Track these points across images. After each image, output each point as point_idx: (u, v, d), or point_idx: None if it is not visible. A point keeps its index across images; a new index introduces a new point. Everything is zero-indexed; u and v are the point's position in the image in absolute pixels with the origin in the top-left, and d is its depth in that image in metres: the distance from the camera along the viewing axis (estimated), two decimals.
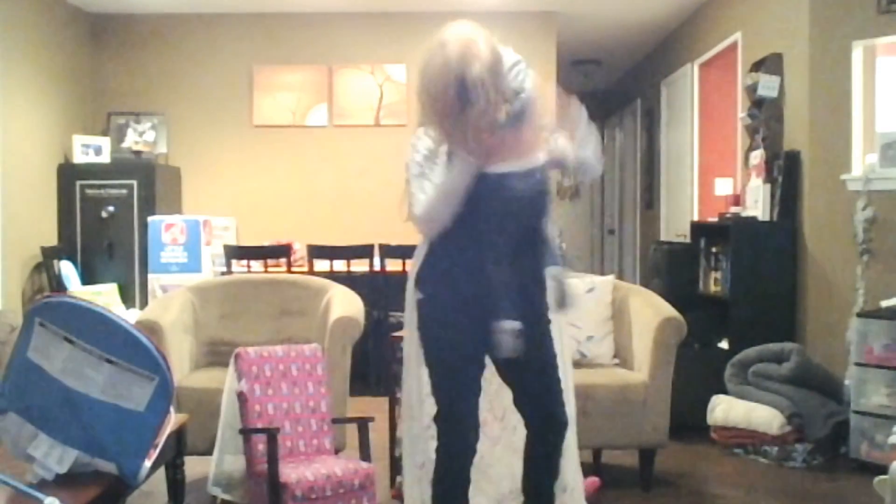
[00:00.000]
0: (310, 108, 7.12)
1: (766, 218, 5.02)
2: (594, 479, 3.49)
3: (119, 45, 7.11)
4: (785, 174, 4.94)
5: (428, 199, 2.52)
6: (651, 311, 3.87)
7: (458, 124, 2.42)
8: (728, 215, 5.32)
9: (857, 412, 4.13)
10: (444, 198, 2.51)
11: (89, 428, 2.21)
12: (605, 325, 4.05)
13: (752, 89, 5.26)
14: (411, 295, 2.71)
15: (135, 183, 6.49)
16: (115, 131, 7.01)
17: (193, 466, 3.37)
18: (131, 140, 6.91)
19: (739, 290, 4.85)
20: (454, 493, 2.61)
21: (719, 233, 5.18)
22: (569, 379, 2.81)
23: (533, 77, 2.54)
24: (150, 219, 6.31)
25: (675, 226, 7.46)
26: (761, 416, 4.29)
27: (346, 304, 3.93)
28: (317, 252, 5.73)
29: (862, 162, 4.69)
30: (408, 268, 5.79)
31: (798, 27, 4.96)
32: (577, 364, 3.56)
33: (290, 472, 2.95)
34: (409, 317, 2.73)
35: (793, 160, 4.95)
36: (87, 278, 6.37)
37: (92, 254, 6.48)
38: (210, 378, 3.74)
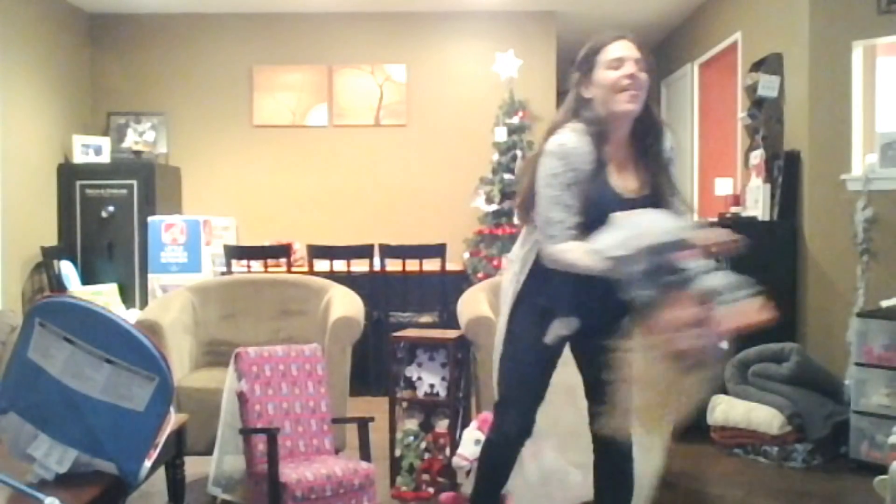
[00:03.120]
0: (310, 108, 7.12)
1: (766, 218, 5.02)
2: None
3: (119, 45, 7.12)
4: (785, 174, 4.94)
5: (566, 253, 2.32)
6: None
7: None
8: (728, 215, 5.31)
9: (857, 412, 4.13)
10: (580, 268, 2.31)
11: (89, 428, 2.20)
12: None
13: (752, 89, 5.26)
14: None
15: (135, 183, 6.49)
16: (115, 131, 7.02)
17: (193, 466, 3.37)
18: (131, 140, 6.92)
19: None
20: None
21: None
22: None
23: None
24: (150, 219, 6.31)
25: None
26: (761, 416, 4.29)
27: (346, 304, 3.93)
28: (317, 252, 5.72)
29: (862, 162, 4.69)
30: (408, 267, 5.83)
31: (798, 27, 4.96)
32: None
33: (290, 472, 2.95)
34: None
35: (793, 160, 4.94)
36: (87, 278, 6.37)
37: (92, 254, 6.48)
38: (210, 378, 3.74)
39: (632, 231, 2.19)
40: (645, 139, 2.43)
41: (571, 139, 2.33)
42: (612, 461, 2.60)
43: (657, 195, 2.41)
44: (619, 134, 2.40)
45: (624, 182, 2.39)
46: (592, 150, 2.33)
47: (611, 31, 2.45)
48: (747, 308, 2.07)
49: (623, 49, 2.38)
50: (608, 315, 2.45)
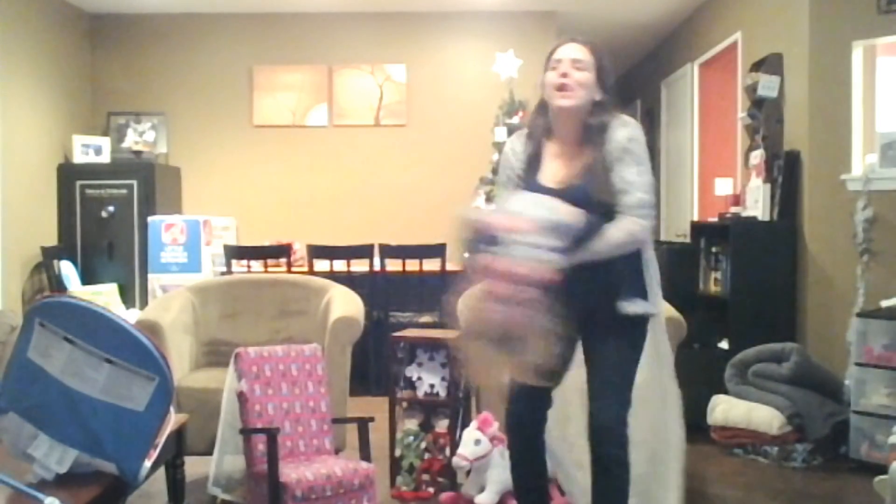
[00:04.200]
0: (310, 108, 7.12)
1: (766, 218, 5.02)
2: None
3: (119, 45, 7.12)
4: (785, 174, 4.94)
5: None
6: None
7: None
8: (728, 215, 5.31)
9: (857, 412, 4.13)
10: None
11: (89, 428, 2.20)
12: None
13: (752, 89, 5.26)
14: None
15: (135, 183, 6.50)
16: (115, 131, 7.02)
17: (193, 466, 3.37)
18: (131, 140, 6.92)
19: (739, 290, 4.85)
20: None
21: (719, 233, 5.18)
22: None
23: None
24: (150, 219, 6.31)
25: (675, 226, 7.46)
26: (761, 416, 4.29)
27: (346, 304, 3.93)
28: (317, 252, 5.72)
29: (862, 162, 4.69)
30: (408, 267, 5.83)
31: (798, 27, 4.96)
32: (578, 364, 3.56)
33: (290, 472, 2.95)
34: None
35: (793, 160, 4.94)
36: (87, 278, 6.37)
37: (92, 254, 6.49)
38: (210, 378, 3.74)
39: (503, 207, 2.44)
40: (593, 135, 2.54)
41: (510, 142, 2.67)
42: (601, 464, 2.58)
43: (587, 185, 2.47)
44: (566, 129, 2.56)
45: (554, 174, 2.53)
46: (525, 150, 2.59)
47: (568, 36, 2.64)
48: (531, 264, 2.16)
49: (566, 52, 2.55)
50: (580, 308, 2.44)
